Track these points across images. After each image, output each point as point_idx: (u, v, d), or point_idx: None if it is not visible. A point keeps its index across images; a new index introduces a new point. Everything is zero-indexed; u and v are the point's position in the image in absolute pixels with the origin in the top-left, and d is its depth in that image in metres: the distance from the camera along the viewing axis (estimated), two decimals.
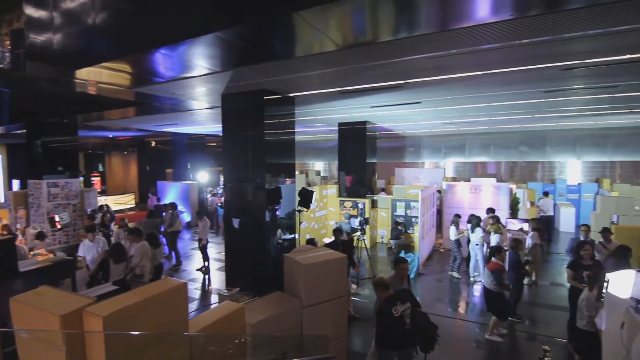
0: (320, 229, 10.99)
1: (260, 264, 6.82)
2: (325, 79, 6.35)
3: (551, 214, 12.20)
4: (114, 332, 2.14)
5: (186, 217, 14.80)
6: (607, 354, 3.01)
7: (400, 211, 11.38)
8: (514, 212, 11.28)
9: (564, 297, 6.71)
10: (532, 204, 10.75)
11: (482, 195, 10.40)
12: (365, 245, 8.84)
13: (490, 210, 9.12)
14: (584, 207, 13.95)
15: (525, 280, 7.97)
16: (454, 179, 16.65)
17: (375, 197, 12.22)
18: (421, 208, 8.99)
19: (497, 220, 8.25)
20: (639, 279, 3.49)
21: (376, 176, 13.39)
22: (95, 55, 5.00)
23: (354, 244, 8.87)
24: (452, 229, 8.70)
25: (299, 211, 7.05)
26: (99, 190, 18.37)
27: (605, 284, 3.48)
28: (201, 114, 10.18)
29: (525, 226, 8.24)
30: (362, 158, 11.94)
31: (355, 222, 10.84)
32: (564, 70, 5.46)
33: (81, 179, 13.16)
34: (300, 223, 7.25)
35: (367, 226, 10.07)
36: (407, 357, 3.99)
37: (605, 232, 6.69)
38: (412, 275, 8.42)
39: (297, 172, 20.34)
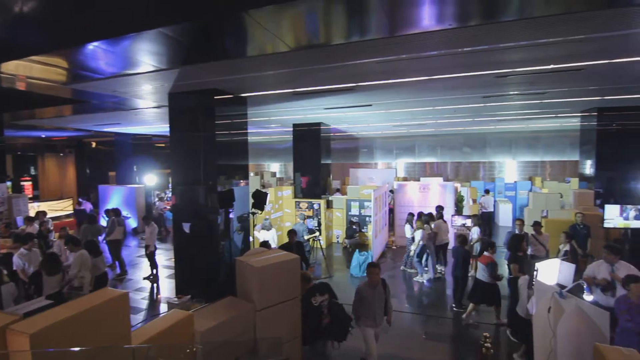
0: (275, 231, 10.88)
1: (213, 269, 6.61)
2: (277, 80, 6.32)
3: (491, 210, 13.16)
4: (43, 350, 1.96)
5: (132, 223, 13.93)
6: (537, 336, 3.31)
7: (354, 211, 11.64)
8: (459, 209, 12.02)
9: (504, 286, 7.27)
10: (475, 201, 11.54)
11: (430, 194, 10.95)
12: (320, 245, 8.92)
13: (440, 208, 9.65)
14: (519, 203, 15.23)
15: (471, 273, 8.54)
16: (404, 179, 17.36)
17: (330, 198, 12.38)
18: (374, 207, 9.26)
19: (440, 216, 8.79)
20: (563, 267, 3.89)
21: (331, 177, 13.58)
22: (23, 48, 4.54)
23: (311, 244, 8.95)
24: (407, 227, 9.04)
25: (253, 213, 6.94)
26: (30, 196, 16.68)
27: (535, 273, 3.83)
28: (147, 113, 9.65)
29: (469, 222, 8.79)
30: (317, 159, 12.04)
31: (313, 223, 10.93)
32: (499, 77, 5.93)
33: (9, 183, 11.85)
34: (254, 225, 7.13)
35: (322, 226, 10.20)
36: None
37: (536, 225, 7.36)
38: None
39: (251, 174, 20.06)
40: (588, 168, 10.44)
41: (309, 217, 10.85)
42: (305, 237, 8.18)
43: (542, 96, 7.78)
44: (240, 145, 7.46)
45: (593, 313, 2.82)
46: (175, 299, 5.71)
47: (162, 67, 5.12)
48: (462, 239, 6.73)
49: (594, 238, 8.00)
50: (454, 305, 6.87)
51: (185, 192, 6.91)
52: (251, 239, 7.22)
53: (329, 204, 12.01)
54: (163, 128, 13.40)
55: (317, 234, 9.43)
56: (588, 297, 3.62)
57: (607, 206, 7.98)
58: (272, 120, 11.41)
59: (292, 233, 6.45)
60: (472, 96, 7.65)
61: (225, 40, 4.40)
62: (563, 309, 2.96)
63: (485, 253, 6.15)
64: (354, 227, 10.35)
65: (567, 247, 6.23)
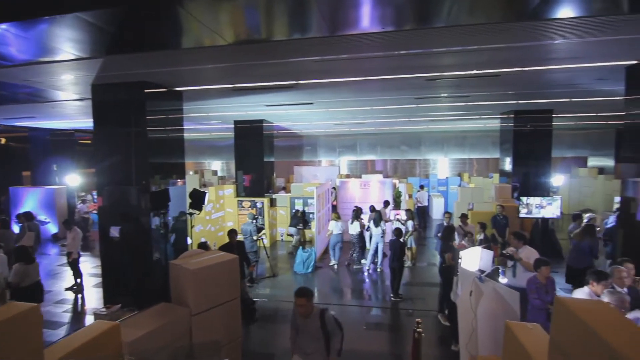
0: (217, 231, 10.53)
1: (146, 275, 6.20)
2: (216, 75, 6.10)
3: (426, 204, 14.08)
4: None
5: (52, 229, 12.52)
6: (461, 318, 3.63)
7: (298, 208, 11.68)
8: (397, 204, 12.65)
9: (437, 275, 7.82)
10: (410, 196, 12.26)
11: (371, 190, 11.39)
12: (264, 244, 8.81)
13: (386, 203, 10.15)
14: (450, 197, 16.47)
15: (407, 264, 9.05)
16: (347, 176, 17.83)
17: (274, 196, 12.28)
18: (317, 204, 9.38)
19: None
20: (483, 254, 4.29)
21: (275, 175, 13.47)
22: None
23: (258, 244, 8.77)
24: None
25: (191, 214, 6.63)
26: None
27: (459, 260, 4.19)
28: (68, 106, 8.72)
29: (402, 214, 9.25)
30: (260, 157, 11.86)
31: (258, 222, 10.74)
32: (429, 81, 6.34)
33: None
34: (192, 227, 6.82)
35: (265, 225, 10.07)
36: None
37: (463, 217, 8.04)
38: (309, 269, 8.75)
39: (190, 172, 19.14)
40: (507, 164, 11.62)
41: (256, 217, 10.65)
42: (255, 238, 7.97)
43: (467, 99, 8.48)
44: (176, 142, 7.07)
45: (506, 294, 3.16)
46: (103, 310, 5.26)
47: (84, 55, 4.65)
48: (398, 232, 7.10)
49: (512, 227, 8.94)
50: (392, 295, 7.23)
51: (113, 192, 6.38)
52: (189, 240, 6.90)
53: (272, 202, 11.91)
54: (88, 123, 12.21)
55: (263, 231, 9.32)
56: (503, 280, 4.05)
57: (522, 198, 8.98)
58: (212, 117, 11.00)
59: (232, 233, 6.28)
60: (405, 97, 8.08)
61: (155, 30, 4.13)
62: (482, 292, 3.27)
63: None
64: (299, 215, 10.44)
65: (482, 236, 6.90)
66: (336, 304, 7.15)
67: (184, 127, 7.36)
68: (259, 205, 11.11)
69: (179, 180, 7.08)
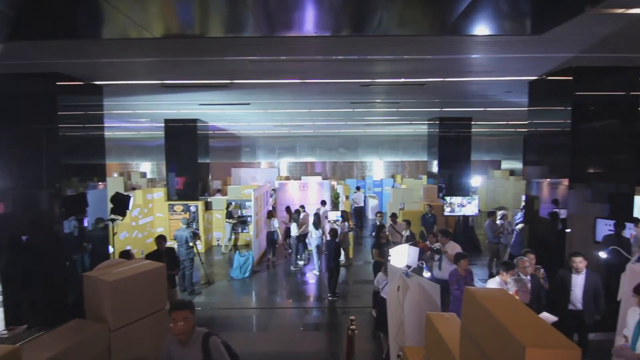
0: (145, 238, 9.80)
1: (58, 290, 5.53)
2: (142, 69, 5.68)
3: (362, 205, 14.62)
4: None
5: None
6: (390, 312, 3.83)
7: (235, 212, 11.35)
8: (335, 205, 12.94)
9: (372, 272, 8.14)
10: (347, 197, 12.63)
11: (310, 192, 11.50)
12: (197, 250, 8.39)
13: (323, 203, 10.32)
14: (385, 197, 17.30)
15: (343, 262, 9.29)
16: (287, 178, 17.80)
17: (209, 199, 11.79)
18: (254, 207, 9.21)
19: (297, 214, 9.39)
20: (410, 250, 4.56)
21: (210, 177, 12.94)
22: None
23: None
24: (293, 225, 9.07)
25: (113, 220, 6.07)
26: None
27: (389, 257, 4.42)
28: None
29: (336, 215, 9.45)
30: (193, 158, 11.29)
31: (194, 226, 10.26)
32: (363, 86, 6.61)
33: None
34: (114, 234, 6.24)
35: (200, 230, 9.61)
36: None
37: (393, 216, 8.49)
38: (246, 274, 8.54)
39: (115, 175, 17.56)
40: (434, 167, 12.56)
41: (191, 221, 10.09)
42: (191, 244, 7.50)
43: (397, 105, 9.00)
44: (95, 141, 6.44)
45: (429, 287, 3.41)
46: (5, 332, 4.57)
47: None
48: (333, 232, 7.26)
49: (439, 224, 9.67)
50: (329, 295, 7.36)
51: (17, 198, 5.59)
52: (111, 249, 6.31)
53: (207, 206, 11.42)
54: None
55: (199, 237, 8.88)
56: (426, 274, 4.36)
57: (447, 197, 9.77)
58: (139, 114, 10.22)
59: (160, 239, 5.87)
60: (342, 101, 8.33)
61: (69, 16, 3.72)
62: (408, 286, 3.49)
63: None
64: (230, 210, 10.26)
65: (408, 233, 7.38)
66: (273, 307, 7.09)
67: (105, 125, 6.73)
68: (192, 209, 10.58)
69: (99, 183, 6.45)
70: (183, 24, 4.03)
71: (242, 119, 11.75)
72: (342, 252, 9.26)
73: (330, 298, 7.29)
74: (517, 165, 18.72)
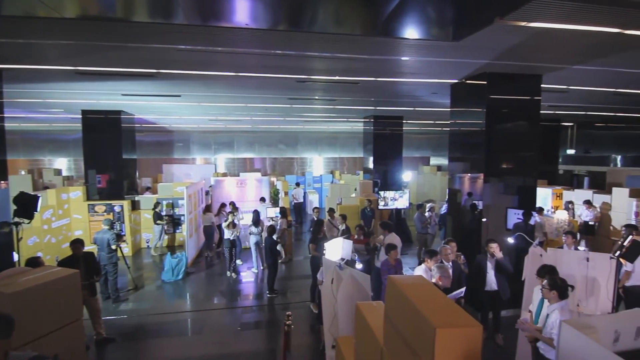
0: (60, 243, 8.77)
1: None
2: (50, 52, 5.04)
3: (302, 200, 14.72)
4: None
5: None
6: (324, 304, 3.91)
7: (167, 210, 10.69)
8: (275, 202, 12.83)
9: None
10: (286, 193, 12.62)
11: (248, 189, 11.25)
12: (123, 254, 7.74)
13: (262, 200, 10.14)
14: (324, 193, 17.63)
15: (282, 259, 9.28)
16: (224, 175, 17.21)
17: (137, 198, 10.93)
18: (187, 205, 8.75)
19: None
20: (345, 244, 4.70)
21: (137, 174, 12.00)
22: None
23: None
24: (225, 225, 8.54)
25: (17, 224, 5.31)
26: None
27: (324, 252, 4.50)
28: None
29: (275, 211, 9.40)
30: (117, 153, 10.36)
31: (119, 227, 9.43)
32: (299, 82, 6.62)
33: None
34: (20, 239, 5.47)
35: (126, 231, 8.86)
36: None
37: (330, 211, 8.69)
38: (179, 276, 8.11)
39: (22, 172, 15.44)
40: (369, 163, 13.08)
41: (113, 222, 9.20)
42: (113, 247, 6.82)
43: (334, 102, 9.18)
44: None
45: (360, 278, 3.55)
46: None
47: None
48: (271, 229, 7.20)
49: (377, 218, 10.10)
50: (267, 292, 7.29)
51: None
52: (16, 256, 5.53)
53: (135, 205, 10.58)
54: None
55: (124, 239, 8.12)
56: (358, 265, 4.54)
57: (381, 192, 10.24)
58: (50, 104, 9.08)
59: (76, 243, 5.27)
60: (280, 97, 8.26)
61: None
62: (342, 278, 3.59)
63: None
64: (157, 210, 9.63)
65: (344, 227, 7.63)
66: (209, 309, 6.83)
67: (6, 115, 5.86)
68: (117, 209, 9.72)
69: (1, 182, 5.61)
70: (102, 4, 3.65)
71: (173, 112, 11.06)
72: (282, 249, 9.24)
73: (268, 295, 7.23)
74: (444, 161, 20.31)
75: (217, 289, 7.89)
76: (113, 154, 10.32)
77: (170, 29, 4.10)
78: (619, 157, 18.07)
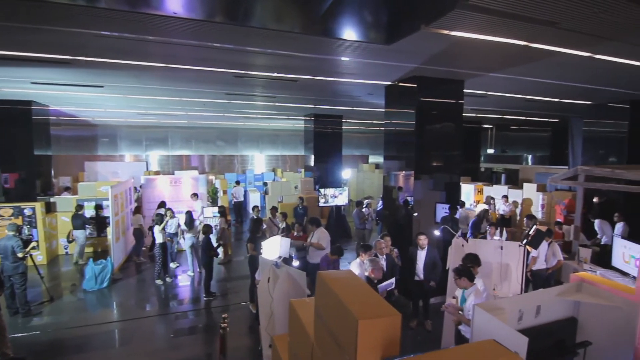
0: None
1: None
2: None
3: (242, 199, 14.37)
4: None
5: None
6: (261, 303, 3.87)
7: (90, 212, 9.72)
8: (213, 201, 12.37)
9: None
10: (225, 192, 12.22)
11: (183, 188, 10.67)
12: (34, 262, 6.86)
13: (194, 196, 9.68)
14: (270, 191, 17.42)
15: (220, 260, 8.98)
16: (157, 173, 16.14)
17: (53, 199, 9.79)
18: (113, 206, 8.05)
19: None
20: (283, 242, 4.69)
21: (53, 172, 10.75)
22: None
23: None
24: (157, 228, 7.79)
25: None
26: None
27: (261, 251, 4.45)
28: None
29: (213, 211, 9.07)
30: (28, 149, 9.19)
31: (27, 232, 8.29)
32: (237, 77, 6.43)
33: None
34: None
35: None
36: None
37: (273, 209, 8.61)
38: (104, 284, 7.44)
39: None
40: (310, 161, 13.22)
41: (20, 226, 8.09)
42: (20, 255, 5.97)
43: (273, 99, 9.10)
44: None
45: (297, 275, 3.56)
46: None
47: None
48: (206, 228, 6.93)
49: (312, 215, 10.23)
50: (204, 295, 7.00)
51: None
52: None
53: (50, 208, 9.47)
54: None
55: (33, 244, 7.13)
56: (295, 263, 4.56)
57: (321, 189, 10.39)
58: None
59: None
60: (216, 91, 7.95)
61: None
62: (278, 276, 3.57)
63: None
64: (80, 212, 8.73)
65: (284, 225, 7.65)
66: (139, 318, 6.36)
67: None
68: (27, 212, 8.60)
69: None
70: None
71: (96, 104, 10.08)
72: (222, 249, 8.94)
73: (205, 298, 6.94)
74: (382, 159, 21.25)
75: (148, 295, 7.38)
76: (23, 150, 9.13)
77: (89, 12, 3.71)
78: (530, 157, 20.43)
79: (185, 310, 6.70)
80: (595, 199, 9.53)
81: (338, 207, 11.03)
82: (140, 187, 11.28)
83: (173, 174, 15.95)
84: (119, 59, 5.38)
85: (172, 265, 8.56)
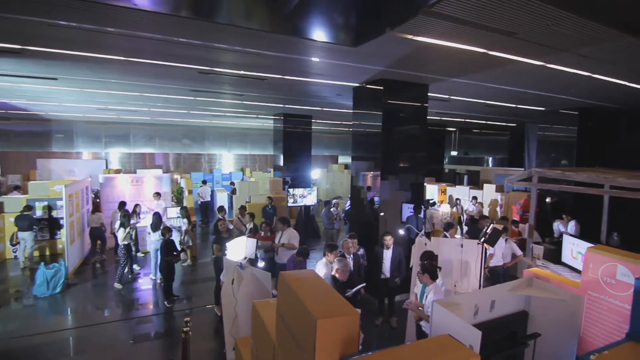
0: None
1: None
2: None
3: (208, 199, 14.01)
4: None
5: None
6: (225, 307, 3.79)
7: (41, 213, 9.10)
8: (178, 201, 11.97)
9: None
10: (190, 192, 11.86)
11: (145, 187, 10.24)
12: None
13: (157, 195, 9.34)
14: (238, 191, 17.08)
15: (186, 263, 8.70)
16: (117, 171, 15.39)
17: None
18: (67, 207, 7.58)
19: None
20: (248, 242, 4.61)
21: (1, 170, 9.97)
22: None
23: None
24: (122, 230, 7.45)
25: None
26: None
27: (226, 252, 4.36)
28: None
29: (176, 211, 8.77)
30: None
31: None
32: (202, 74, 6.25)
33: None
34: None
35: None
36: None
37: (241, 209, 8.46)
38: (57, 289, 6.99)
39: None
40: (280, 160, 13.12)
41: None
42: None
43: (241, 98, 8.94)
44: None
45: (261, 276, 3.52)
46: None
47: None
48: (165, 230, 6.69)
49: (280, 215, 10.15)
50: (166, 302, 6.73)
51: None
52: None
53: None
54: None
55: None
56: (261, 263, 4.51)
57: (290, 189, 10.34)
58: None
59: None
60: (181, 88, 7.69)
61: None
62: (242, 278, 3.51)
63: None
64: (27, 212, 8.16)
65: (251, 225, 7.54)
66: (96, 324, 6.03)
67: None
68: None
69: None
70: None
71: (50, 98, 9.45)
72: (187, 251, 8.67)
73: (167, 303, 6.67)
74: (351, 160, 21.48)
75: (106, 300, 7.01)
76: None
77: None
78: (490, 159, 21.46)
79: (147, 315, 6.43)
80: (548, 199, 10.17)
81: (307, 207, 11.03)
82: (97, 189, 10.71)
83: (135, 172, 15.27)
84: (75, 50, 5.07)
85: (135, 267, 8.20)
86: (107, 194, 9.77)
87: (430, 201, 9.09)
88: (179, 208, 8.63)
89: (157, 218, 7.68)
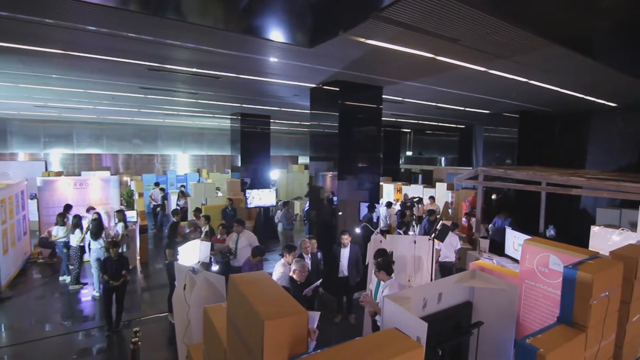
0: None
1: None
2: None
3: (161, 202, 13.38)
4: None
5: None
6: (176, 314, 3.64)
7: None
8: (129, 204, 11.32)
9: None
10: (141, 195, 11.25)
11: (90, 190, 9.58)
12: None
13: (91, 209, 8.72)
14: (190, 193, 16.45)
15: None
16: (59, 174, 14.22)
17: None
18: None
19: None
20: (202, 246, 4.48)
21: None
22: None
23: None
24: (76, 231, 7.07)
25: None
26: None
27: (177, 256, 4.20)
28: None
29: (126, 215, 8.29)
30: None
31: None
32: (151, 70, 5.96)
33: None
34: None
35: None
36: None
37: (197, 211, 8.20)
38: None
39: None
40: (238, 161, 12.84)
41: None
42: None
43: (195, 96, 8.64)
44: None
45: (215, 280, 3.43)
46: None
47: None
48: (110, 245, 6.29)
49: (242, 217, 9.95)
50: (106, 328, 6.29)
51: None
52: None
53: None
54: None
55: None
56: (215, 267, 4.40)
57: (248, 190, 10.16)
58: None
59: None
60: (128, 84, 7.28)
61: None
62: (195, 283, 3.39)
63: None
64: None
65: (207, 228, 7.33)
66: (34, 340, 5.53)
67: None
68: None
69: None
70: None
71: None
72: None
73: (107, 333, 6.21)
74: None
75: (47, 313, 6.45)
76: None
77: None
78: (442, 159, 22.55)
79: (93, 327, 6.01)
80: (493, 196, 10.89)
81: (266, 209, 10.91)
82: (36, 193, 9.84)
83: (79, 175, 14.21)
84: (5, 41, 4.62)
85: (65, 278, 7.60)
86: (46, 198, 9.00)
87: (415, 199, 9.32)
88: (115, 211, 8.07)
89: (97, 224, 6.99)
